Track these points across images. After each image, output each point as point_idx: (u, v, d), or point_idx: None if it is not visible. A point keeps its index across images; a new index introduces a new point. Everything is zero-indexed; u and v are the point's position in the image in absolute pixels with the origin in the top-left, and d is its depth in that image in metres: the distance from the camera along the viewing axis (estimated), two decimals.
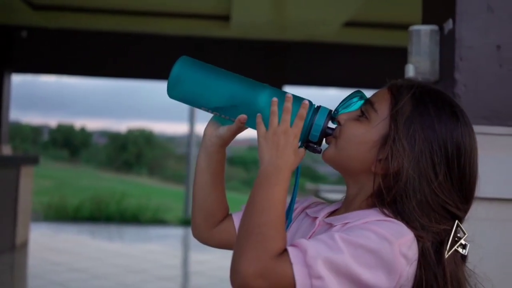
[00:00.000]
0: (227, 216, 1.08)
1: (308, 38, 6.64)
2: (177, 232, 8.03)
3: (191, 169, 11.28)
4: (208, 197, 1.04)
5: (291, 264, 0.77)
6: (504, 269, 1.42)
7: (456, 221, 0.89)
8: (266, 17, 6.03)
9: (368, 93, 0.98)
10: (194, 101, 0.97)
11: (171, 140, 27.70)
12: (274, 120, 0.90)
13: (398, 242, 0.81)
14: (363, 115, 0.93)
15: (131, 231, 7.88)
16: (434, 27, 1.60)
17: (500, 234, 1.43)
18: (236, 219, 1.06)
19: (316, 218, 0.99)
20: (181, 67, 0.97)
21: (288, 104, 0.91)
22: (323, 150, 0.97)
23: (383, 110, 0.91)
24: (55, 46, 7.08)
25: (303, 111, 0.91)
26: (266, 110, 0.92)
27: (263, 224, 0.80)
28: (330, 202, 1.06)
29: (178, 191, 16.83)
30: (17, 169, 5.77)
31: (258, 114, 0.93)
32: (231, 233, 1.05)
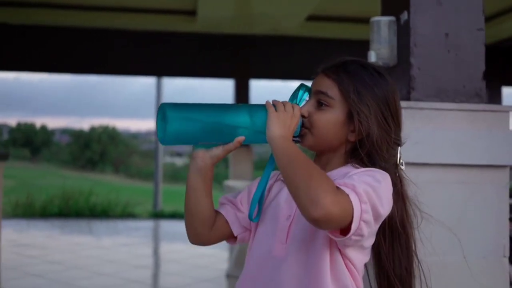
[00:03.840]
0: (216, 214, 1.24)
1: (272, 32, 6.85)
2: (147, 225, 8.13)
3: (159, 165, 11.33)
4: (204, 208, 1.18)
5: (347, 194, 0.99)
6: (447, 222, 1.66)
7: (399, 147, 1.18)
8: (231, 11, 6.19)
9: None
10: (187, 140, 1.08)
11: (135, 136, 27.53)
12: (281, 106, 1.10)
13: (386, 180, 1.08)
14: (321, 104, 1.14)
15: (101, 225, 7.94)
16: (392, 18, 1.83)
17: (449, 194, 1.66)
18: (226, 215, 1.23)
19: None
20: (171, 112, 1.05)
21: (287, 101, 1.13)
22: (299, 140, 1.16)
23: (336, 94, 1.13)
24: (16, 42, 7.05)
25: (297, 106, 1.13)
26: (250, 126, 1.09)
27: (315, 167, 1.00)
28: None
29: (145, 187, 16.81)
30: None
31: (267, 101, 1.11)
32: (224, 229, 1.23)
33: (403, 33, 1.77)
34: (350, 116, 1.12)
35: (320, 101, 1.14)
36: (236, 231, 1.23)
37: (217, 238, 1.24)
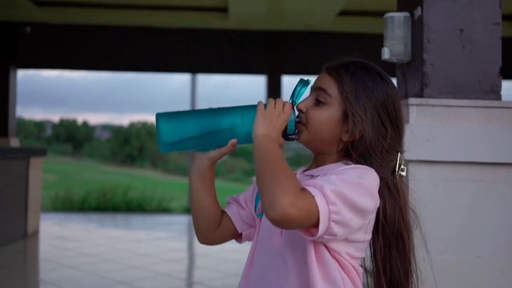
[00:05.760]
0: (222, 214, 1.27)
1: (304, 27, 6.82)
2: (182, 220, 8.26)
3: None
4: (207, 207, 1.21)
5: (313, 196, 0.99)
6: (459, 221, 1.64)
7: (399, 153, 1.16)
8: (263, 8, 6.21)
9: None
10: (183, 146, 1.12)
11: None
12: (271, 104, 1.12)
13: (369, 173, 1.08)
14: (320, 101, 1.14)
15: (137, 219, 8.11)
16: (406, 13, 1.80)
17: (461, 192, 1.63)
18: (230, 213, 1.27)
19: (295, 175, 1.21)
20: (164, 122, 1.11)
21: (280, 99, 1.13)
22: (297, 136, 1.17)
23: (335, 93, 1.13)
24: (58, 41, 7.28)
25: (289, 104, 1.14)
26: (241, 127, 1.11)
27: (282, 169, 1.01)
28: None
29: (182, 182, 17.08)
30: (27, 161, 5.99)
31: (260, 101, 1.13)
32: (230, 228, 1.26)
33: (416, 29, 1.75)
34: (346, 116, 1.12)
35: (319, 98, 1.15)
36: (239, 228, 1.25)
37: (224, 237, 1.27)
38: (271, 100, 1.13)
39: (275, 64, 7.38)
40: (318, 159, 1.19)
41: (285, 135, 1.14)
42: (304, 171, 1.22)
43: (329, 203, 0.99)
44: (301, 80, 1.17)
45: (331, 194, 0.99)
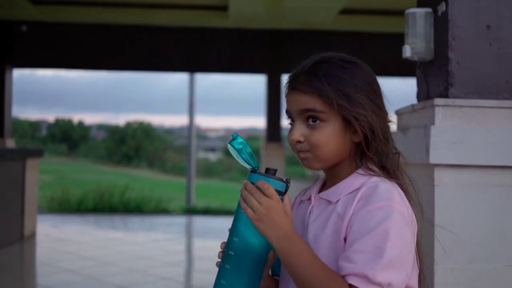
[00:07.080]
0: None
1: (305, 26, 6.74)
2: (180, 221, 8.16)
3: (192, 160, 11.39)
4: None
5: None
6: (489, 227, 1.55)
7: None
8: (263, 6, 6.12)
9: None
10: None
11: (170, 132, 27.80)
12: (254, 202, 1.00)
13: (395, 202, 0.98)
14: (315, 120, 1.03)
15: (135, 220, 8.00)
16: (428, 9, 1.72)
17: (490, 198, 1.55)
18: None
19: (310, 197, 1.12)
20: None
21: (250, 186, 1.01)
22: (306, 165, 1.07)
23: (324, 106, 1.03)
24: (54, 40, 7.16)
25: (265, 184, 1.00)
26: (258, 241, 1.02)
27: (320, 285, 0.94)
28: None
29: (179, 182, 16.97)
30: (23, 162, 5.87)
31: (241, 200, 1.01)
32: None
33: (440, 25, 1.67)
34: (347, 121, 1.03)
35: (313, 118, 1.03)
36: None
37: None
38: (250, 198, 1.00)
39: (275, 63, 7.29)
40: (334, 172, 1.09)
41: (284, 192, 1.03)
42: (320, 188, 1.13)
43: (383, 286, 0.92)
44: (231, 143, 1.05)
45: (382, 277, 0.92)
